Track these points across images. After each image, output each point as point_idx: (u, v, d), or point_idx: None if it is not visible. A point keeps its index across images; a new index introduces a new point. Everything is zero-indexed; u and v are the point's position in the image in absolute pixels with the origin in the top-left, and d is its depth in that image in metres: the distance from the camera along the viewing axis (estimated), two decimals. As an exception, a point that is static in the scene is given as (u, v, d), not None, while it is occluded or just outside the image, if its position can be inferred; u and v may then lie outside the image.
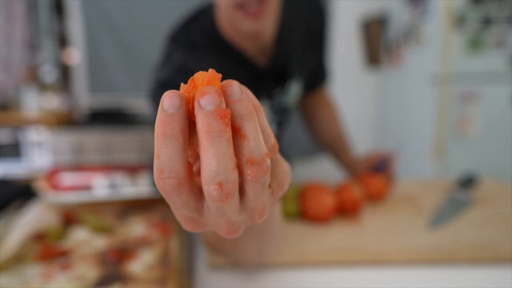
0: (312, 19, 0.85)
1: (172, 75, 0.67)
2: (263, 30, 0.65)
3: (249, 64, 0.73)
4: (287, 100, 0.82)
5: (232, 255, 0.51)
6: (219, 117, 0.23)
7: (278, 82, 0.78)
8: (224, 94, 0.24)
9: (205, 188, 0.24)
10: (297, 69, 0.82)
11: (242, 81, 0.59)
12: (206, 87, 0.23)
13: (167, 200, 0.26)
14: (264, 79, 0.74)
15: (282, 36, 0.74)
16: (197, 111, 0.23)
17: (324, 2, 0.87)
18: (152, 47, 2.64)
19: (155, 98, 0.68)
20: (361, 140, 2.72)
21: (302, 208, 0.66)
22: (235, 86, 0.25)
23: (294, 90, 0.83)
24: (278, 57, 0.75)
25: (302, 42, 0.82)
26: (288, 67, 0.77)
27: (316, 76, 0.96)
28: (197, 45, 0.70)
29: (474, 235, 0.61)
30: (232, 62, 0.71)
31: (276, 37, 0.74)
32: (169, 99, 0.24)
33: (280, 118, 0.84)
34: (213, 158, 0.23)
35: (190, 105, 0.25)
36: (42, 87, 2.76)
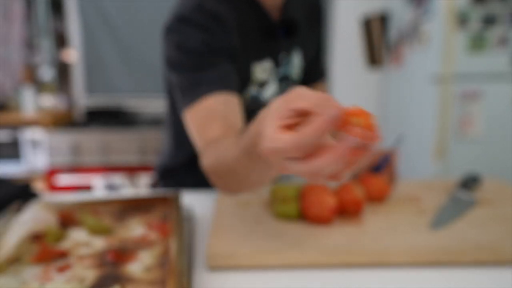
0: (312, 3, 0.90)
1: (191, 12, 0.69)
2: None
3: (263, 15, 0.78)
4: (290, 70, 0.86)
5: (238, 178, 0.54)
6: (352, 153, 0.35)
7: (286, 41, 0.83)
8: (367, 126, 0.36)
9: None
10: (300, 39, 0.87)
11: (254, 31, 0.70)
12: (364, 133, 0.36)
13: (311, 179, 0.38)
14: (274, 33, 0.79)
15: None
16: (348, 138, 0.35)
17: None
18: (150, 46, 2.65)
19: (170, 32, 0.70)
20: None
21: (302, 209, 0.66)
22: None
23: (296, 61, 0.88)
24: (288, 12, 0.82)
25: (304, 18, 0.88)
26: (295, 23, 0.83)
27: (313, 70, 0.98)
28: None
29: (476, 236, 0.61)
30: (248, 11, 0.76)
31: None
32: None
33: (284, 88, 0.86)
34: (335, 163, 0.35)
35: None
36: (40, 87, 2.76)
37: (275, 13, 0.81)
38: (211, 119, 0.65)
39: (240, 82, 0.75)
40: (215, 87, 0.67)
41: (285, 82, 0.85)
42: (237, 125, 0.65)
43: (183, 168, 0.94)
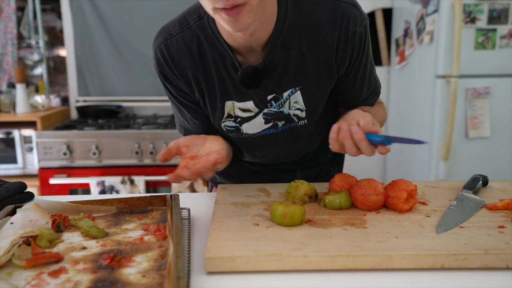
0: (334, 42, 0.81)
1: (155, 63, 0.88)
2: (245, 27, 0.70)
3: (230, 62, 0.82)
4: (285, 110, 0.87)
5: None
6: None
7: (268, 84, 0.84)
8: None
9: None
10: (301, 77, 0.84)
11: (222, 75, 0.86)
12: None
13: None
14: (247, 76, 0.81)
15: (275, 41, 0.79)
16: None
17: (362, 25, 0.81)
18: (146, 46, 2.65)
19: (155, 40, 0.87)
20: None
21: (355, 196, 0.74)
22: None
23: (298, 100, 0.86)
24: (269, 55, 0.80)
25: (310, 54, 0.82)
26: (270, 67, 0.82)
27: (351, 98, 0.93)
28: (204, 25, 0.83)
29: (483, 239, 0.61)
30: (216, 58, 0.83)
31: (269, 41, 0.79)
32: None
33: (276, 123, 0.89)
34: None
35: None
36: (34, 87, 2.77)
37: (252, 57, 0.82)
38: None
39: (214, 117, 0.90)
40: (184, 134, 0.95)
41: (281, 120, 0.89)
42: None
43: (240, 169, 1.05)
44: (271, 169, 1.04)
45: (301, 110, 0.88)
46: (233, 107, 0.87)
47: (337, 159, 1.12)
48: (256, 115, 0.88)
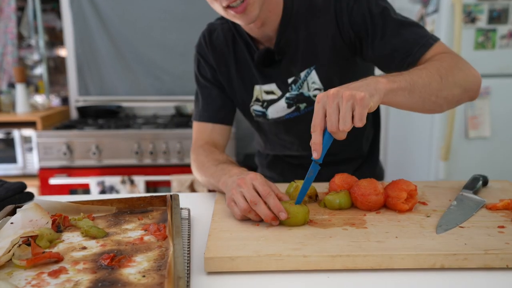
0: (332, 14, 0.88)
1: (196, 46, 1.05)
2: (254, 19, 0.83)
3: (250, 47, 0.96)
4: (304, 91, 0.95)
5: None
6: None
7: (287, 66, 0.94)
8: None
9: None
10: (316, 56, 0.92)
11: (247, 62, 0.99)
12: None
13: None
14: (262, 61, 0.94)
15: (285, 24, 0.91)
16: None
17: None
18: (146, 46, 2.65)
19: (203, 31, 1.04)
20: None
21: (355, 196, 0.74)
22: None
23: (311, 81, 0.94)
24: (281, 38, 0.92)
25: (316, 32, 0.91)
26: (282, 49, 0.93)
27: (397, 61, 0.85)
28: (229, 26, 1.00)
29: (483, 239, 0.61)
30: (241, 46, 0.98)
31: (279, 26, 0.91)
32: None
33: (299, 106, 0.97)
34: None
35: None
36: (34, 87, 2.77)
37: (270, 41, 0.94)
38: (201, 135, 1.04)
39: (244, 101, 1.02)
40: (204, 118, 1.04)
41: (303, 102, 0.97)
42: (219, 143, 1.04)
43: (269, 164, 1.18)
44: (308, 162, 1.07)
45: (320, 90, 0.94)
46: (260, 92, 0.99)
47: (374, 158, 1.15)
48: (280, 98, 0.98)
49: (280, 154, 1.13)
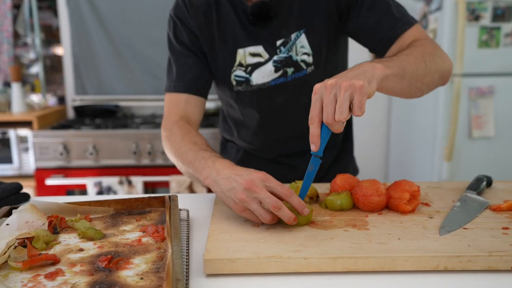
0: None
1: (171, 10, 1.00)
2: None
3: (239, 5, 0.93)
4: (293, 54, 0.94)
5: None
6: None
7: (275, 27, 0.93)
8: None
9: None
10: (304, 20, 0.92)
11: (233, 21, 0.94)
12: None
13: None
14: (250, 20, 0.92)
15: None
16: None
17: None
18: (144, 44, 2.65)
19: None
20: (367, 139, 2.72)
21: (357, 197, 0.73)
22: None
23: (303, 44, 0.93)
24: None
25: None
26: (276, 5, 0.91)
27: (379, 34, 0.91)
28: None
29: (487, 240, 0.61)
30: (225, 4, 0.94)
31: None
32: None
33: (286, 71, 0.95)
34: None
35: None
36: (30, 86, 2.77)
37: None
38: (174, 108, 0.97)
39: (226, 66, 0.96)
40: (179, 88, 0.98)
41: (285, 66, 0.95)
42: (194, 118, 0.98)
43: (260, 151, 1.11)
44: (284, 157, 1.08)
45: (308, 55, 0.94)
46: (244, 55, 0.95)
47: (348, 147, 1.15)
48: (266, 61, 0.95)
49: (255, 141, 1.07)
